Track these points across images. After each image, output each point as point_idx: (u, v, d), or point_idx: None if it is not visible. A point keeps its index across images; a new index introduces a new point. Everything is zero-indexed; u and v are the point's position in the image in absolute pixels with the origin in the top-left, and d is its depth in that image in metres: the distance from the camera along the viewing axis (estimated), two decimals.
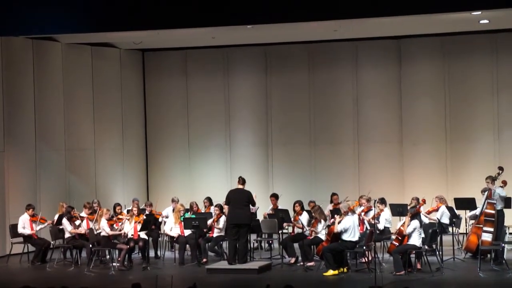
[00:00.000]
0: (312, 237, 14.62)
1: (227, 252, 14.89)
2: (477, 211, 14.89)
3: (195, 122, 20.24)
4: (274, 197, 16.68)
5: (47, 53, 18.07)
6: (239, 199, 14.44)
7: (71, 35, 17.40)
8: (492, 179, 14.58)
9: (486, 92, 18.56)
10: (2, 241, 16.85)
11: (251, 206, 14.85)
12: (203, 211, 16.51)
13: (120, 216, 15.59)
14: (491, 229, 14.19)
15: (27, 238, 15.94)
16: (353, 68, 19.34)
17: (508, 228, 14.84)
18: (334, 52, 19.44)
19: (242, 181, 14.76)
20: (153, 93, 20.49)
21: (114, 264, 14.74)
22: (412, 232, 13.48)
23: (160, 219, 16.74)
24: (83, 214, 15.97)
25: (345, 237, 13.72)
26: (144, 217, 15.54)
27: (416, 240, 13.50)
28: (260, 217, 16.39)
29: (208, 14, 15.93)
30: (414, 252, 13.65)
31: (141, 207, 16.44)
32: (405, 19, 15.99)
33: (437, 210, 15.39)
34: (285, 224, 15.34)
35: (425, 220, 14.68)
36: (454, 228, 15.42)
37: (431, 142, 18.89)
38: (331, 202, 16.51)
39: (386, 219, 14.97)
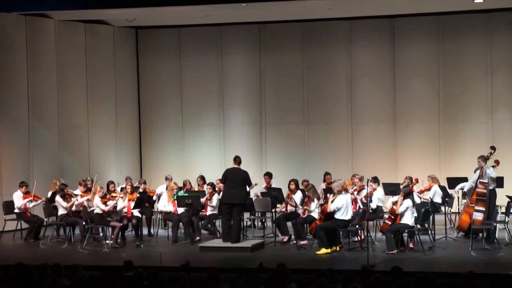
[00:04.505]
0: (305, 215, 14.66)
1: (220, 230, 14.92)
2: (465, 186, 14.86)
3: (188, 100, 20.19)
4: (268, 175, 16.67)
5: (40, 30, 17.97)
6: (235, 179, 14.40)
7: (64, 12, 17.32)
8: (484, 159, 14.57)
9: (480, 72, 18.56)
10: None
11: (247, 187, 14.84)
12: (196, 189, 16.52)
13: (113, 194, 15.59)
14: (483, 208, 14.22)
15: (20, 215, 15.94)
16: (347, 47, 19.29)
17: (500, 207, 14.87)
18: (328, 31, 19.38)
19: (238, 160, 14.69)
20: (146, 70, 20.41)
21: (107, 241, 14.76)
22: (405, 211, 13.51)
23: (154, 197, 16.75)
24: (77, 191, 15.96)
25: (338, 216, 13.74)
26: (138, 195, 15.55)
27: (408, 219, 13.53)
28: (252, 196, 16.35)
29: None
30: (406, 231, 13.69)
31: (134, 185, 16.43)
32: None
33: (429, 189, 15.43)
34: (278, 206, 15.36)
35: (418, 200, 14.71)
36: (447, 207, 15.48)
37: (425, 121, 18.90)
38: (324, 181, 16.52)
39: (378, 198, 14.96)
